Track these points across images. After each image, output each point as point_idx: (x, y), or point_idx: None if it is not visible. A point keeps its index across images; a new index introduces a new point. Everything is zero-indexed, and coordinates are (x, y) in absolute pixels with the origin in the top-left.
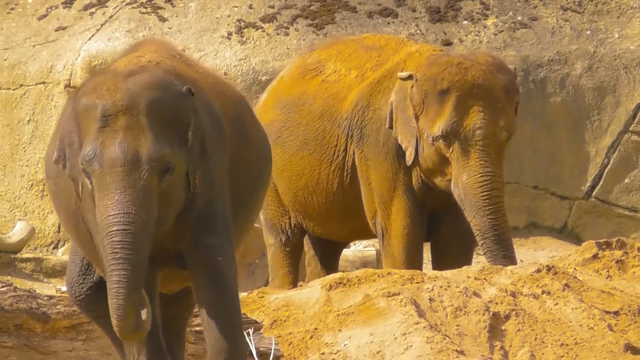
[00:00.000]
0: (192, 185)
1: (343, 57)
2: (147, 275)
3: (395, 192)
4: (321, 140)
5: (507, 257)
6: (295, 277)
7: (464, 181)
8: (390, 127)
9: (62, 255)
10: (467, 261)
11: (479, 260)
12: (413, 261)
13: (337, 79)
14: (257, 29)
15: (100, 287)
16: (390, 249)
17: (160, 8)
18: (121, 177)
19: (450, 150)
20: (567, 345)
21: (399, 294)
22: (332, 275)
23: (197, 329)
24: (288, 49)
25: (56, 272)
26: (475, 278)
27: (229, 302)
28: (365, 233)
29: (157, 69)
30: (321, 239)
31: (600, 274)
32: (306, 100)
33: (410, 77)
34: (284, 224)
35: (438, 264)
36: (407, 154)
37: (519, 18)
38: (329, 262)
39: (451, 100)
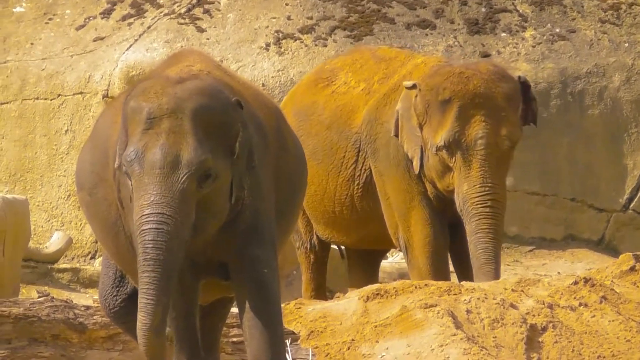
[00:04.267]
0: (238, 197)
1: (355, 67)
2: (190, 284)
3: (412, 203)
4: (328, 151)
5: (488, 271)
6: (318, 284)
7: (464, 191)
8: (396, 135)
9: (99, 265)
10: None
11: (516, 271)
12: (438, 270)
13: (345, 91)
14: (295, 40)
15: (133, 299)
16: (415, 262)
17: (199, 19)
18: (159, 179)
19: (453, 160)
20: (604, 357)
21: (436, 305)
22: (369, 286)
23: (234, 339)
24: (326, 60)
25: (93, 282)
26: (513, 290)
27: (272, 314)
28: (374, 241)
29: (208, 78)
30: (359, 250)
31: (638, 286)
32: (316, 110)
33: (414, 86)
34: (308, 231)
35: (462, 274)
36: (414, 163)
37: (557, 30)
38: (368, 273)
39: (453, 109)
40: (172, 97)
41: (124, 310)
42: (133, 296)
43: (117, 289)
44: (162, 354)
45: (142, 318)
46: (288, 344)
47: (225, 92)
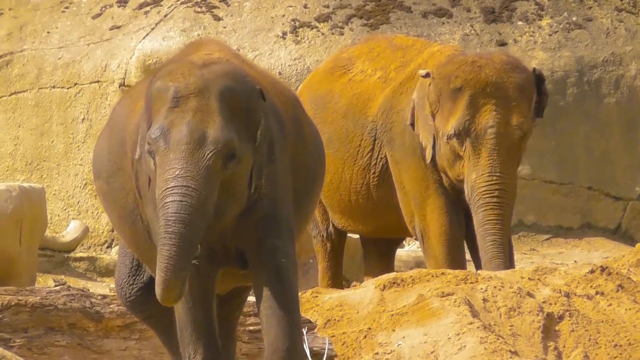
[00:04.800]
0: (256, 185)
1: (372, 56)
2: (207, 273)
3: (427, 192)
4: (344, 139)
5: (498, 264)
6: (334, 273)
7: (472, 180)
8: (412, 124)
9: (115, 254)
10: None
11: (533, 260)
12: (455, 258)
13: (362, 79)
14: (312, 29)
15: (150, 288)
16: (431, 250)
17: (215, 7)
18: (185, 154)
19: (463, 148)
20: (620, 346)
21: (452, 294)
22: (385, 275)
23: (251, 328)
24: (342, 48)
25: (110, 271)
26: (529, 278)
27: (290, 302)
28: (390, 230)
29: (230, 63)
30: (375, 239)
31: None
32: (332, 98)
33: (428, 75)
34: (324, 220)
35: (478, 262)
36: (427, 152)
37: (574, 19)
38: (384, 261)
39: (464, 98)
40: (200, 77)
41: (141, 299)
42: (150, 285)
43: (134, 277)
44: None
45: (160, 291)
46: (305, 332)
47: (249, 79)
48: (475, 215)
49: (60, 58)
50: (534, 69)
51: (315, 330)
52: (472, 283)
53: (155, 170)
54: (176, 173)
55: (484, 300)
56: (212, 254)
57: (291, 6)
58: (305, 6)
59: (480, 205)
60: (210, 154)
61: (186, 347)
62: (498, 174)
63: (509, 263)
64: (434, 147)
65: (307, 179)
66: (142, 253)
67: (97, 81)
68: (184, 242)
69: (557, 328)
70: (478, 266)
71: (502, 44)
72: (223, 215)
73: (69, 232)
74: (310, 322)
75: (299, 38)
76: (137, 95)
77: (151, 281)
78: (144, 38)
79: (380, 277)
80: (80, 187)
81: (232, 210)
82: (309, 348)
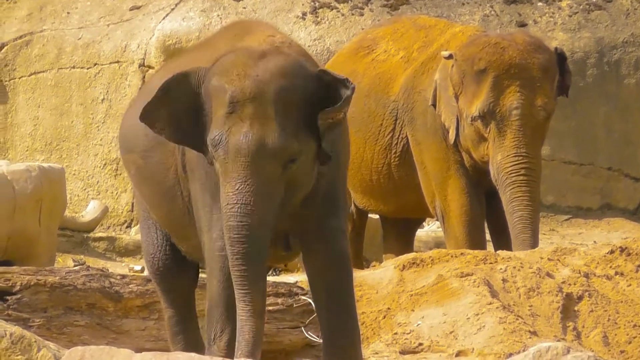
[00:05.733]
0: (319, 168)
1: (396, 36)
2: None
3: (448, 173)
4: (366, 119)
5: (524, 240)
6: (355, 252)
7: (498, 161)
8: (434, 105)
9: (135, 234)
10: None
11: (552, 240)
12: (475, 239)
13: (385, 58)
14: (332, 9)
15: (178, 261)
16: (451, 230)
17: None
18: (244, 166)
19: (488, 130)
20: (639, 326)
21: (472, 274)
22: (405, 255)
23: (270, 308)
24: (362, 29)
25: (129, 251)
26: (549, 259)
27: (350, 284)
28: (411, 210)
29: (290, 52)
30: (395, 219)
31: None
32: (355, 78)
33: (451, 56)
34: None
35: (498, 243)
36: (450, 133)
37: (594, 0)
38: (404, 241)
39: (488, 80)
40: (254, 81)
41: (169, 272)
42: (178, 259)
43: (163, 250)
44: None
45: (243, 307)
46: None
47: (308, 65)
48: (503, 194)
49: (80, 38)
50: (556, 48)
51: None
52: (491, 263)
53: (217, 173)
54: (236, 187)
55: (503, 280)
56: None
57: None
58: None
59: (508, 184)
60: (270, 164)
61: (214, 325)
62: (524, 154)
63: (535, 240)
64: (457, 129)
65: (345, 157)
66: (177, 228)
67: (117, 61)
68: (250, 258)
69: (576, 308)
70: (498, 247)
71: (522, 24)
72: (291, 204)
73: (89, 212)
74: None
75: (318, 19)
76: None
77: (179, 255)
78: (163, 18)
79: (399, 257)
80: (99, 167)
81: (299, 197)
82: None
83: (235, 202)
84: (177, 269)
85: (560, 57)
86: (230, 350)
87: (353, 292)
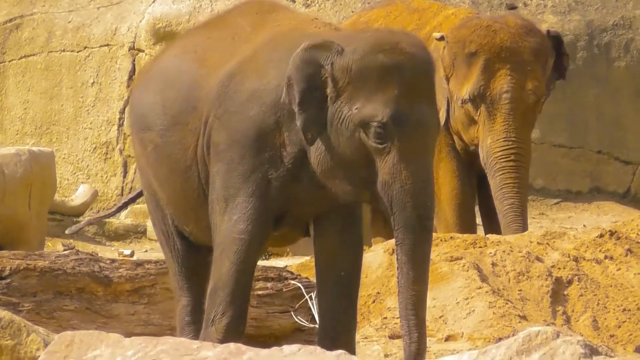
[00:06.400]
0: None
1: (390, 19)
2: (266, 239)
3: (439, 155)
4: None
5: (517, 228)
6: None
7: (487, 145)
8: None
9: (124, 218)
10: None
11: (542, 224)
12: (465, 222)
13: None
14: None
15: (193, 247)
16: (441, 214)
17: None
18: (426, 142)
19: (478, 113)
20: (629, 310)
21: (461, 258)
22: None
23: (260, 292)
24: (353, 11)
25: (118, 235)
26: (538, 243)
27: (359, 273)
28: None
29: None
30: None
31: None
32: None
33: (442, 38)
34: None
35: (489, 227)
36: (440, 115)
37: None
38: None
39: (479, 63)
40: (415, 58)
41: (191, 257)
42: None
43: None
44: None
45: None
46: (314, 296)
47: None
48: (492, 179)
49: (70, 22)
50: (548, 31)
51: None
52: (480, 247)
53: (377, 148)
54: (422, 162)
55: (493, 264)
56: (289, 216)
57: None
58: None
59: (497, 169)
60: (435, 138)
61: (216, 306)
62: (513, 139)
63: (525, 228)
64: (447, 111)
65: None
66: (187, 210)
67: (107, 45)
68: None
69: (565, 292)
70: (488, 231)
71: (512, 7)
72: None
73: (78, 196)
74: None
75: (309, 1)
76: (201, 52)
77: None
78: (153, 2)
79: (389, 241)
80: (89, 151)
81: None
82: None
83: (424, 178)
84: (194, 254)
85: (556, 39)
86: (227, 334)
87: (359, 281)
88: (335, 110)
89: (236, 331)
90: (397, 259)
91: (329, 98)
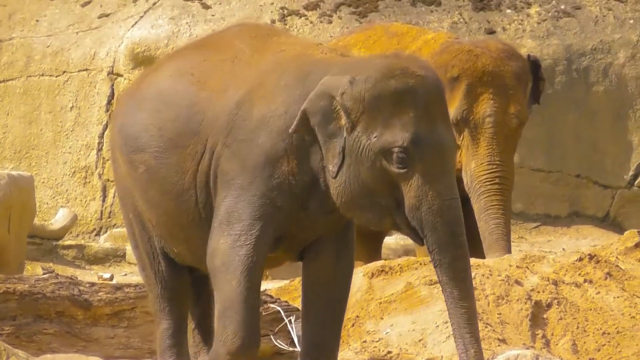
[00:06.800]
0: None
1: (368, 43)
2: (265, 259)
3: None
4: None
5: (503, 247)
6: None
7: (471, 169)
8: None
9: (104, 242)
10: None
11: (521, 248)
12: None
13: None
14: (301, 17)
15: (176, 269)
16: None
17: None
18: (448, 161)
19: (461, 137)
20: (608, 334)
21: None
22: (374, 263)
23: None
24: (331, 37)
25: (98, 259)
26: (517, 266)
27: (347, 298)
28: None
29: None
30: (363, 227)
31: None
32: None
33: None
34: None
35: (470, 250)
36: None
37: (562, 7)
38: (372, 249)
39: (461, 87)
40: (426, 80)
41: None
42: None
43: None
44: None
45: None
46: (292, 320)
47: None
48: (477, 202)
49: (48, 46)
50: (529, 56)
51: None
52: None
53: (400, 173)
54: (446, 182)
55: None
56: (285, 240)
57: None
58: None
59: (482, 192)
60: (454, 157)
61: (227, 327)
62: (498, 162)
63: (509, 250)
64: None
65: None
66: (178, 231)
67: (86, 69)
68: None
69: (545, 316)
70: (470, 254)
71: (491, 32)
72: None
73: (58, 220)
74: (298, 309)
75: (287, 26)
76: (200, 74)
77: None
78: (132, 26)
79: (368, 265)
80: (69, 175)
81: None
82: (297, 336)
83: (450, 196)
84: (178, 277)
85: (534, 63)
86: (241, 355)
87: (346, 306)
88: (353, 141)
89: (249, 352)
90: (439, 281)
91: (344, 129)
